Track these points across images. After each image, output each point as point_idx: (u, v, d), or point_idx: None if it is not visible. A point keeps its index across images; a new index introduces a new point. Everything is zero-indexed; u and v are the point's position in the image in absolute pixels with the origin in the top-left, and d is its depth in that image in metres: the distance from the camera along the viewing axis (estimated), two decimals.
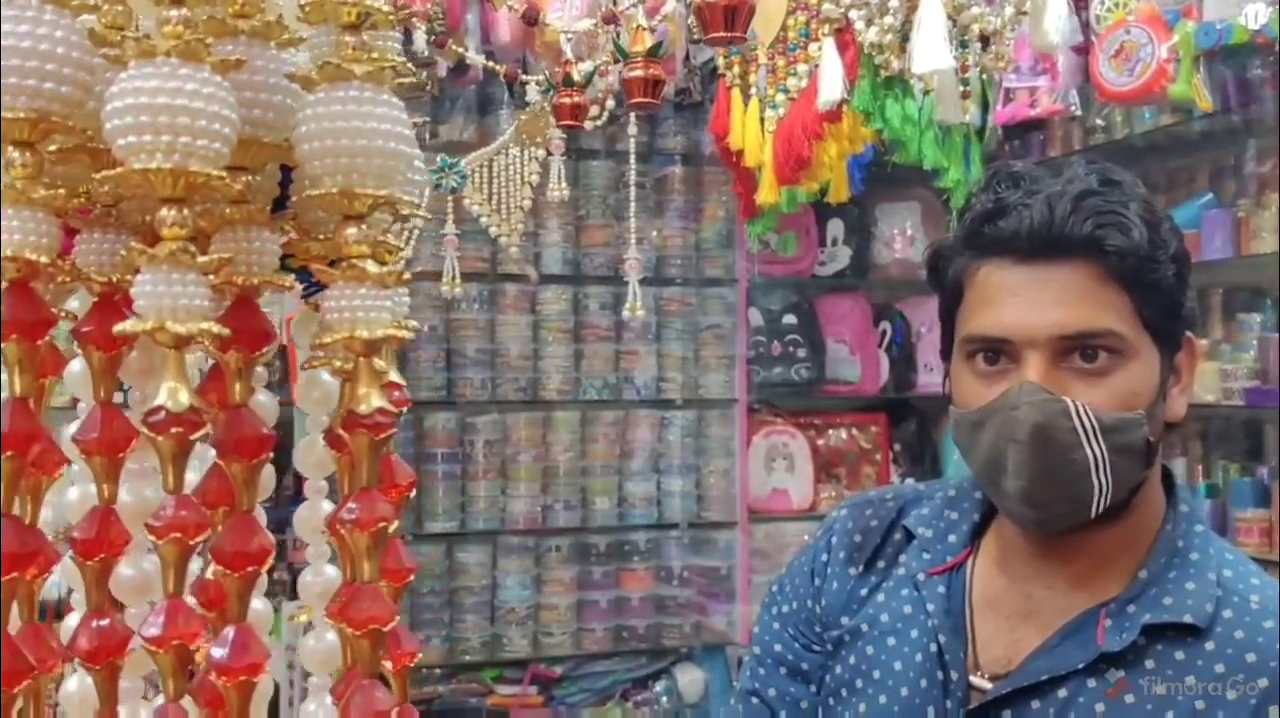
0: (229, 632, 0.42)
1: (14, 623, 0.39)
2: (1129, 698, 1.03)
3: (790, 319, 3.92)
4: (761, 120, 2.25)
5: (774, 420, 3.91)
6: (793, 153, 2.10)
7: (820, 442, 3.96)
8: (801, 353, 3.88)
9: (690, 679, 3.78)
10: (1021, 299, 1.04)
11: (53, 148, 0.44)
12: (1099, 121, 3.43)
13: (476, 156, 2.61)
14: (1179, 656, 1.03)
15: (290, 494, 3.31)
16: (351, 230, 0.45)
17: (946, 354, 1.15)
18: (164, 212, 0.41)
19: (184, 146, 0.40)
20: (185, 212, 0.41)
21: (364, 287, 0.45)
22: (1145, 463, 1.07)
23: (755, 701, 1.25)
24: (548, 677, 3.68)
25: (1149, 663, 1.03)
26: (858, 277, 4.03)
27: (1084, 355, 1.03)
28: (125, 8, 0.45)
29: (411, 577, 0.49)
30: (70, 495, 0.43)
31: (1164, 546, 1.09)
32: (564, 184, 2.61)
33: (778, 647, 1.26)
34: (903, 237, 3.91)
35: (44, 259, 0.40)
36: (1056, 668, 1.05)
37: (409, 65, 0.52)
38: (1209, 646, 1.03)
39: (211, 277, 0.44)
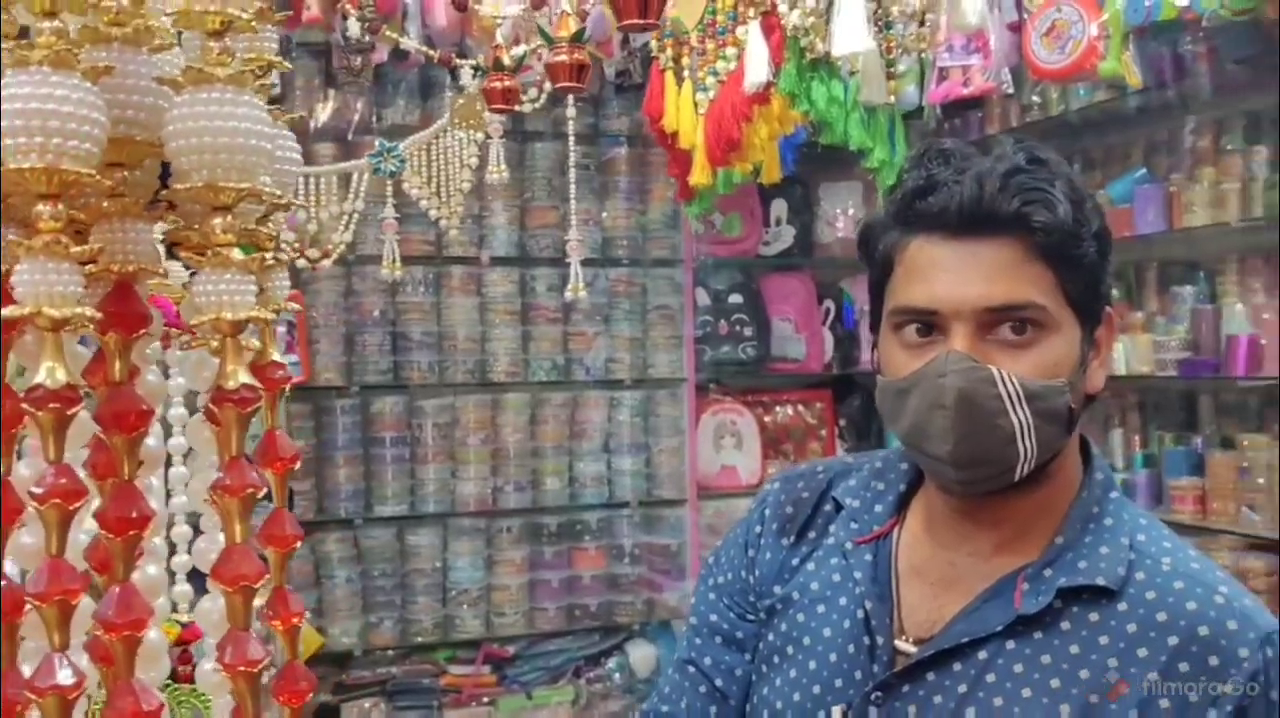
0: (114, 591, 0.46)
1: None
2: (1045, 659, 1.06)
3: (736, 299, 3.98)
4: (694, 102, 2.28)
5: (722, 399, 3.97)
6: (723, 134, 2.13)
7: (767, 419, 4.02)
8: (748, 332, 3.94)
9: (642, 655, 3.84)
10: (950, 273, 1.06)
11: None
12: (1035, 99, 3.49)
13: (414, 140, 2.62)
14: (1093, 617, 1.06)
15: None
16: (218, 220, 0.49)
17: (875, 326, 1.18)
18: (39, 207, 0.45)
19: (55, 147, 0.44)
20: (60, 206, 0.45)
21: (229, 272, 0.48)
22: (1066, 430, 1.09)
23: (692, 669, 1.28)
24: (500, 656, 3.73)
25: (1065, 625, 1.07)
26: (802, 256, 4.08)
27: (1009, 327, 1.06)
28: (10, 17, 0.49)
29: (296, 544, 0.53)
30: None
31: (1079, 512, 1.12)
32: (503, 167, 2.63)
33: (713, 617, 1.29)
34: (845, 216, 3.97)
35: None
36: (976, 631, 1.08)
37: (283, 62, 0.55)
38: (1122, 607, 1.06)
39: (91, 265, 0.48)
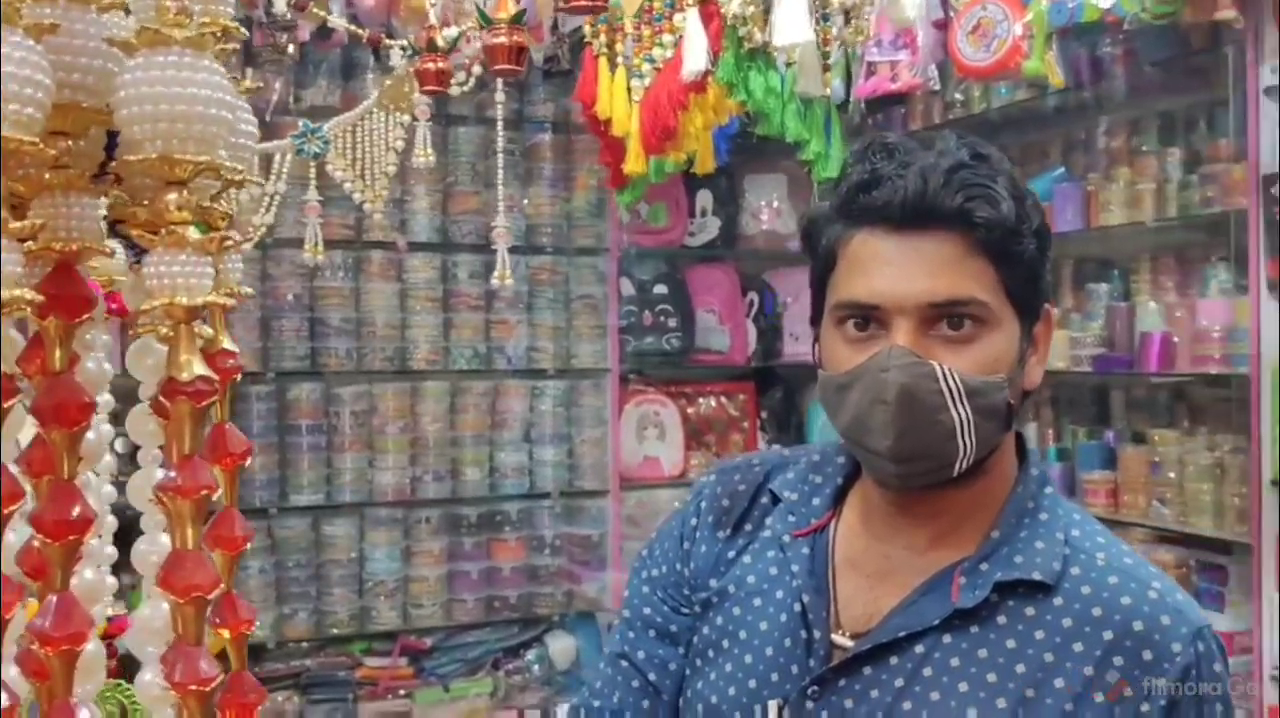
0: (51, 601, 0.41)
1: None
2: (982, 652, 1.06)
3: (661, 289, 3.96)
4: (628, 89, 2.25)
5: (645, 389, 3.95)
6: (659, 122, 2.11)
7: (690, 410, 4.01)
8: (672, 323, 3.92)
9: (562, 647, 3.81)
10: (893, 268, 1.06)
11: None
12: (958, 96, 3.53)
13: (339, 121, 2.55)
14: (1029, 611, 1.07)
15: None
16: (172, 196, 0.44)
17: (816, 320, 1.17)
18: None
19: None
20: None
21: (184, 253, 0.44)
22: (1005, 426, 1.10)
23: (625, 663, 1.26)
24: (417, 648, 3.67)
25: (1001, 619, 1.07)
26: (726, 247, 4.08)
27: (950, 323, 1.06)
28: None
29: (246, 546, 0.49)
30: None
31: (1015, 507, 1.12)
32: (430, 151, 2.57)
33: (647, 610, 1.27)
34: (770, 208, 3.98)
35: None
36: (913, 625, 1.08)
37: (240, 29, 0.51)
38: (1057, 601, 1.07)
39: (30, 243, 0.43)
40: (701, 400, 4.04)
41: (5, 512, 0.39)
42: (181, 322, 0.44)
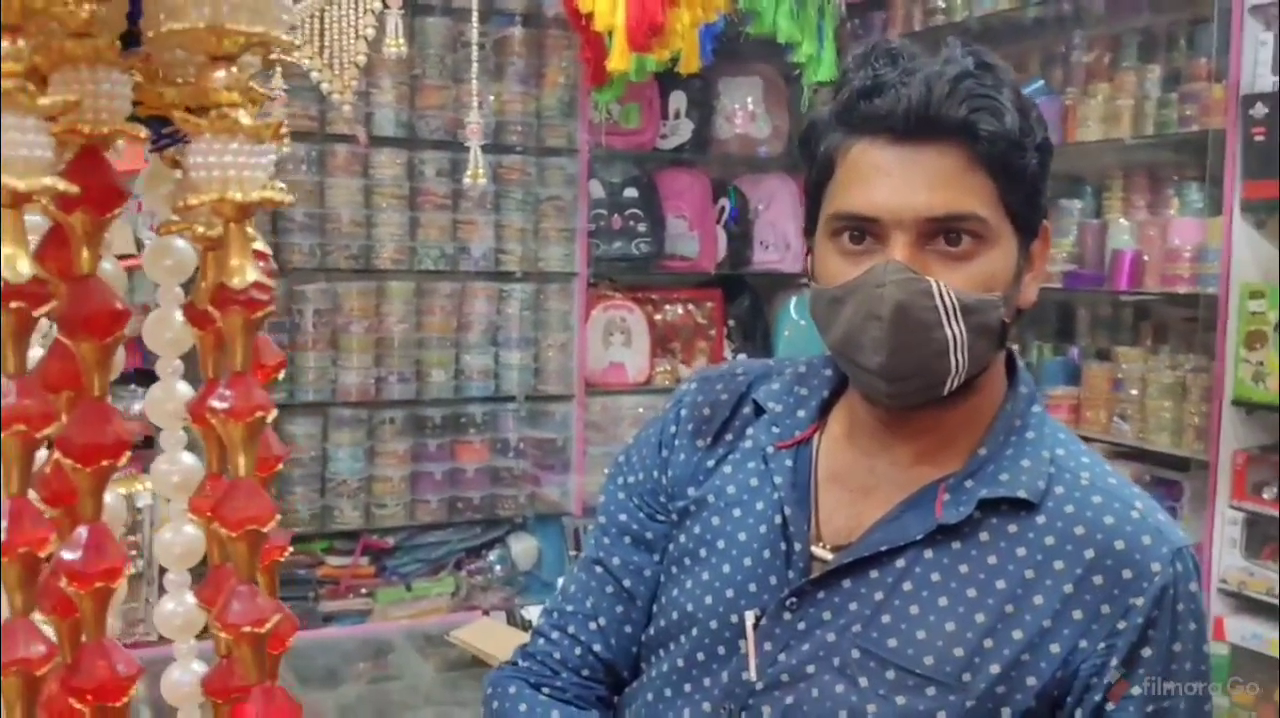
0: (81, 533, 0.37)
1: None
2: (963, 568, 1.07)
3: (631, 193, 3.89)
4: None
5: (612, 295, 3.91)
6: (647, 18, 2.03)
7: (657, 316, 3.98)
8: (641, 227, 3.86)
9: (524, 548, 3.82)
10: (893, 179, 1.03)
11: None
12: (939, 3, 3.46)
13: (306, 7, 2.44)
14: (1012, 528, 1.07)
15: None
16: (220, 74, 0.38)
17: (810, 231, 1.15)
18: None
19: None
20: (21, 43, 0.34)
21: (236, 141, 0.39)
22: (998, 344, 1.10)
23: (600, 569, 1.26)
24: (380, 547, 3.66)
25: (983, 535, 1.07)
26: (698, 151, 4.01)
27: (948, 239, 1.04)
28: None
29: (279, 466, 0.45)
30: None
31: (1002, 424, 1.12)
32: (401, 40, 2.47)
33: (623, 517, 1.26)
34: (744, 112, 3.90)
35: None
36: (895, 539, 1.08)
37: None
38: (1040, 519, 1.07)
39: (52, 123, 0.37)
40: (668, 307, 4.01)
41: (38, 434, 0.34)
42: (233, 220, 0.39)
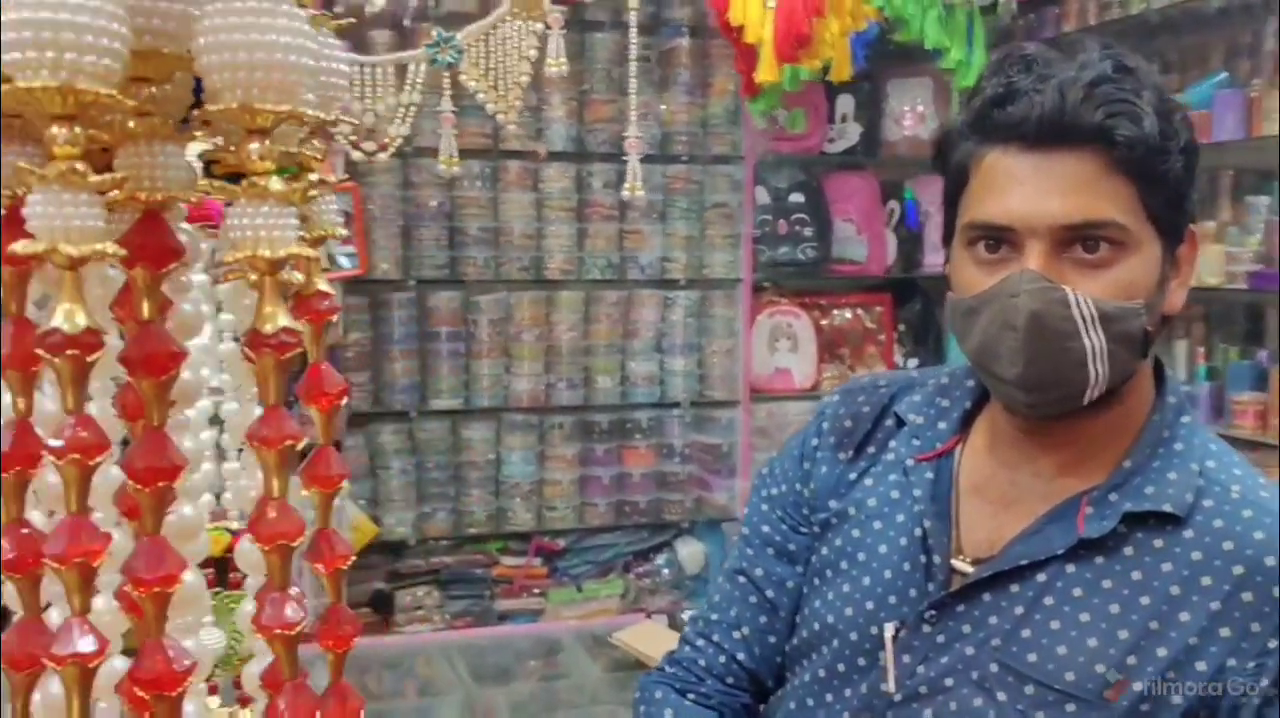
0: (143, 544, 0.43)
1: None
2: (1106, 583, 1.05)
3: (797, 198, 3.88)
4: None
5: (778, 300, 3.91)
6: (793, 30, 2.04)
7: (824, 322, 3.96)
8: (808, 232, 3.85)
9: (691, 552, 3.87)
10: (1026, 187, 1.02)
11: None
12: None
13: (472, 30, 2.54)
14: (1157, 543, 1.04)
15: (294, 370, 3.35)
16: (254, 145, 0.44)
17: (948, 240, 1.15)
18: (54, 129, 0.40)
19: (70, 63, 0.39)
20: (77, 129, 0.41)
21: (266, 204, 0.44)
22: (1141, 353, 1.07)
23: (743, 579, 1.28)
24: (551, 549, 3.77)
25: (1127, 550, 1.05)
26: (867, 154, 3.96)
27: (1085, 246, 1.02)
28: None
29: (342, 483, 0.50)
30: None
31: (1150, 435, 1.09)
32: (563, 59, 2.55)
33: (765, 528, 1.28)
34: (914, 113, 3.84)
35: None
36: (1036, 553, 1.07)
37: None
38: (1188, 534, 1.04)
39: (115, 192, 0.43)
40: (836, 312, 3.98)
41: (92, 462, 0.41)
42: (265, 274, 0.45)
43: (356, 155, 2.66)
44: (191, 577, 0.55)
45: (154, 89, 0.44)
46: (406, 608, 3.55)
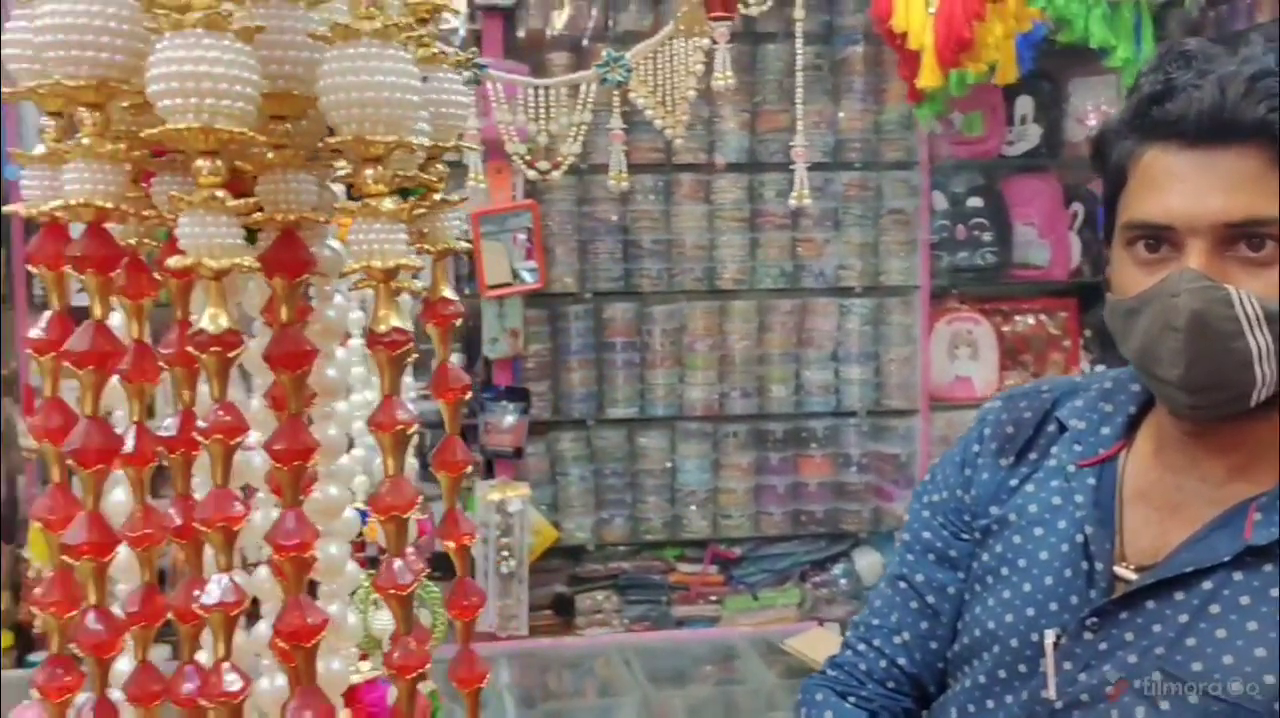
0: (283, 515, 0.50)
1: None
2: (1275, 592, 1.03)
3: (976, 202, 3.81)
4: (925, 1, 2.17)
5: (957, 307, 3.84)
6: (953, 35, 2.03)
7: (1006, 328, 3.87)
8: (987, 237, 3.78)
9: (869, 563, 3.84)
10: (1186, 185, 1.01)
11: (124, 104, 0.52)
12: None
13: (641, 49, 2.62)
14: None
15: (481, 381, 3.51)
16: (369, 172, 0.51)
17: (1108, 240, 1.14)
18: (199, 162, 0.48)
19: (210, 107, 0.47)
20: (217, 162, 0.49)
21: (379, 222, 0.51)
22: None
23: (904, 585, 1.30)
24: (727, 557, 3.81)
25: None
26: (1049, 156, 3.86)
27: (1250, 244, 1.01)
28: None
29: (467, 468, 0.56)
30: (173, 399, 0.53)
31: None
32: (729, 73, 2.60)
33: (927, 534, 1.30)
34: (1098, 113, 3.71)
35: (109, 204, 0.49)
36: (1202, 560, 1.06)
37: (451, 5, 0.57)
38: None
39: (259, 213, 0.51)
40: (1018, 318, 3.88)
41: (232, 442, 0.48)
42: (379, 281, 0.51)
43: (532, 174, 2.79)
44: (335, 549, 0.62)
45: (289, 125, 0.52)
46: (586, 611, 3.65)
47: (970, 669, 1.20)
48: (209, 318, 0.48)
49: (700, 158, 3.69)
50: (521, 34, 3.53)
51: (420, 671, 0.52)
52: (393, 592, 0.52)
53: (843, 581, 3.84)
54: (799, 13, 2.65)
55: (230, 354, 0.48)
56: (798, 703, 1.33)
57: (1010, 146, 3.83)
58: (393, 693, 0.56)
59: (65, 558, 0.48)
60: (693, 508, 3.75)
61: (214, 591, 0.48)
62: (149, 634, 0.54)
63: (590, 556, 3.73)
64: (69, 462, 0.49)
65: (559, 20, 3.56)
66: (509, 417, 3.45)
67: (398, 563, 0.53)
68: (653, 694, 3.24)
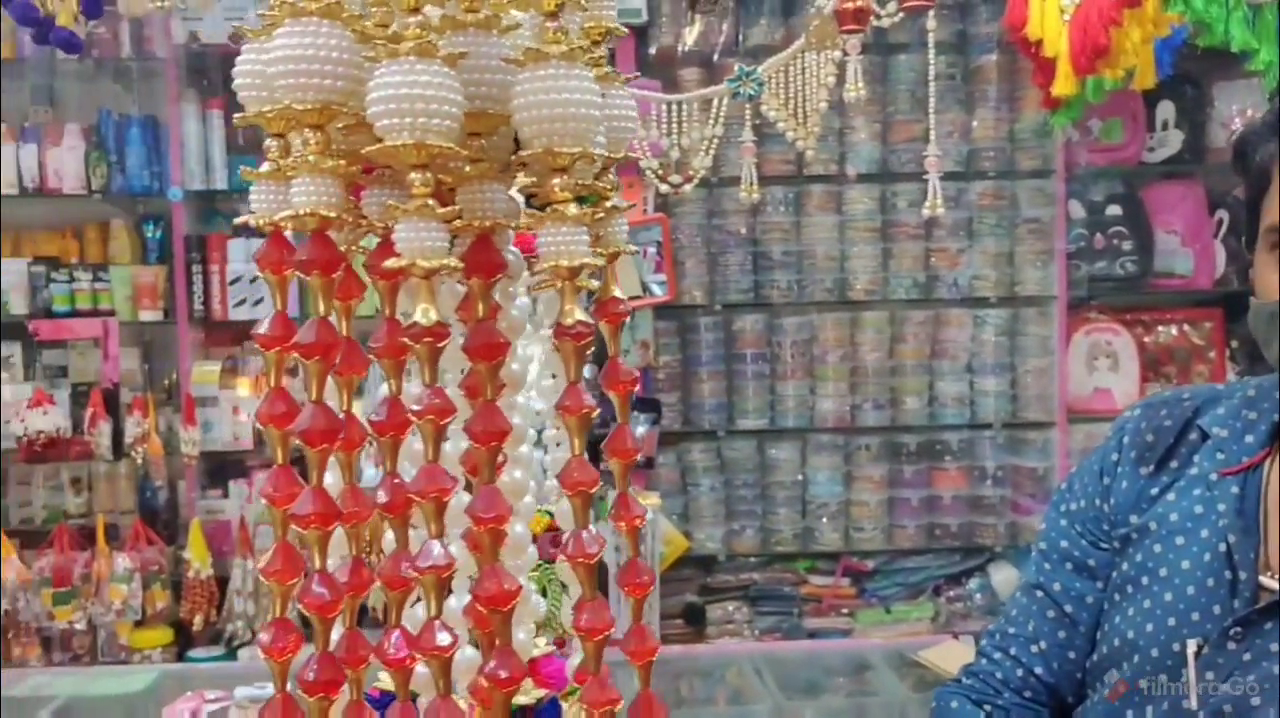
0: (482, 491, 0.56)
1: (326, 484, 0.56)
2: None
3: (1115, 210, 3.74)
4: (1060, 8, 2.16)
5: (1097, 317, 3.77)
6: (1089, 41, 2.01)
7: (1147, 339, 3.77)
8: (1127, 245, 3.70)
9: (1005, 578, 3.78)
10: None
11: (340, 125, 0.59)
12: None
13: (773, 63, 2.66)
14: None
15: None
16: (556, 181, 0.57)
17: (1251, 244, 1.14)
18: (412, 175, 0.55)
19: (422, 126, 0.54)
20: (428, 174, 0.55)
21: (565, 225, 0.57)
22: None
23: (1040, 594, 1.30)
24: (859, 569, 3.80)
25: None
26: (1192, 162, 3.76)
27: None
28: (389, 9, 0.59)
29: (636, 456, 0.61)
30: (380, 391, 0.59)
31: None
32: (860, 85, 2.62)
33: (1064, 543, 1.30)
34: (1243, 117, 3.60)
35: (331, 214, 0.55)
36: None
37: (622, 29, 0.63)
38: None
39: (458, 221, 0.57)
40: (1160, 329, 3.78)
41: (443, 422, 0.54)
42: (565, 279, 0.57)
43: (664, 188, 2.84)
44: (520, 528, 0.68)
45: (483, 141, 0.58)
46: (717, 621, 3.68)
47: (1110, 679, 1.20)
48: (421, 313, 0.54)
49: (831, 169, 3.70)
50: (653, 50, 3.61)
51: (606, 632, 0.57)
52: (581, 560, 0.58)
53: (977, 595, 3.79)
54: (931, 23, 2.66)
55: (440, 344, 0.54)
56: (932, 712, 1.33)
57: (1151, 153, 3.75)
58: (572, 663, 0.61)
59: (296, 528, 0.55)
60: (824, 520, 3.75)
61: (430, 553, 0.54)
62: (356, 603, 0.61)
63: (721, 566, 3.76)
64: (291, 444, 0.56)
65: (690, 36, 3.63)
66: (640, 427, 3.50)
67: (585, 533, 0.58)
68: (784, 704, 3.25)
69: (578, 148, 0.54)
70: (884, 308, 3.75)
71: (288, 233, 0.56)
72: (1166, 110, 3.70)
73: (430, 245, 0.54)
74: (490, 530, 0.55)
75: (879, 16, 2.48)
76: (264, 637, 0.57)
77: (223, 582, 3.48)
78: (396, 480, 0.58)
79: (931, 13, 2.63)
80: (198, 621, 3.44)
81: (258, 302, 3.61)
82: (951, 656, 2.79)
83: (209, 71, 3.68)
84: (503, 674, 0.54)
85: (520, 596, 0.55)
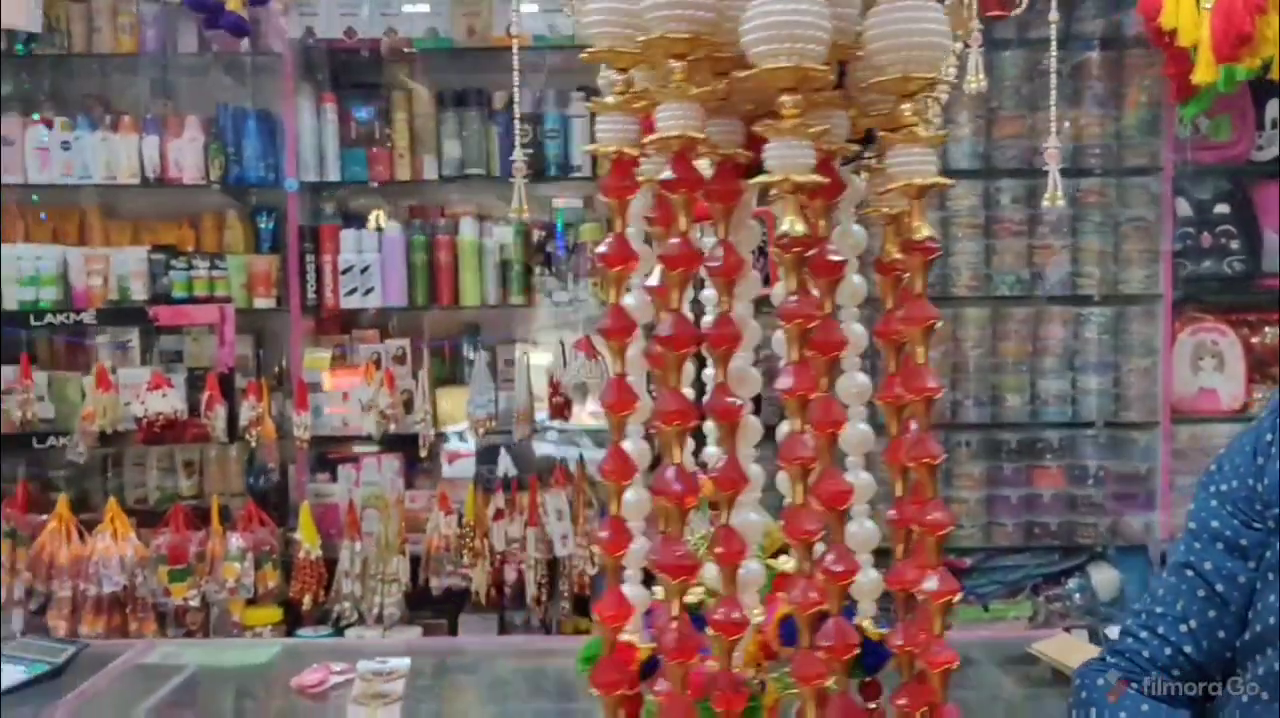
0: (818, 399, 0.60)
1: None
2: None
3: (1222, 209, 3.70)
4: None
5: (1202, 317, 3.73)
6: (1233, 28, 2.01)
7: (1255, 339, 3.73)
8: (1234, 245, 3.66)
9: (1105, 578, 3.74)
10: None
11: (692, 57, 0.62)
12: None
13: None
14: None
15: None
16: (907, 105, 0.60)
17: None
18: (784, 98, 0.58)
19: (799, 50, 0.57)
20: (799, 96, 0.59)
21: (916, 146, 0.60)
22: None
23: (1190, 573, 1.29)
24: (958, 567, 3.77)
25: None
26: None
27: None
28: None
29: (939, 393, 0.64)
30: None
31: None
32: (981, 76, 2.63)
33: (1215, 523, 1.29)
34: None
35: (699, 135, 0.59)
36: None
37: None
38: None
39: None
40: (1268, 329, 3.73)
41: (808, 327, 0.58)
42: (915, 198, 0.60)
43: None
44: (754, 564, 0.72)
45: (832, 77, 0.62)
46: None
47: (1261, 659, 1.19)
48: (789, 223, 0.58)
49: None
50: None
51: (948, 528, 0.60)
52: (925, 461, 0.61)
53: (1077, 595, 3.75)
54: (1054, 15, 2.66)
55: (806, 254, 0.58)
56: (1076, 688, 1.33)
57: (1260, 151, 3.71)
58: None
59: (662, 502, 0.59)
60: None
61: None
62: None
63: None
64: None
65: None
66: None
67: (929, 438, 0.61)
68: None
69: (931, 74, 0.58)
70: (986, 304, 3.74)
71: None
72: (1276, 109, 3.65)
73: (801, 162, 0.57)
74: (828, 435, 0.58)
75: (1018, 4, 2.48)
76: (600, 605, 0.60)
77: (331, 563, 3.56)
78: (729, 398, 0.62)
79: (1055, 2, 2.64)
80: (307, 600, 3.52)
81: (368, 291, 3.69)
82: (1067, 649, 2.77)
83: (322, 66, 3.78)
84: (838, 568, 0.58)
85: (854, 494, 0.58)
